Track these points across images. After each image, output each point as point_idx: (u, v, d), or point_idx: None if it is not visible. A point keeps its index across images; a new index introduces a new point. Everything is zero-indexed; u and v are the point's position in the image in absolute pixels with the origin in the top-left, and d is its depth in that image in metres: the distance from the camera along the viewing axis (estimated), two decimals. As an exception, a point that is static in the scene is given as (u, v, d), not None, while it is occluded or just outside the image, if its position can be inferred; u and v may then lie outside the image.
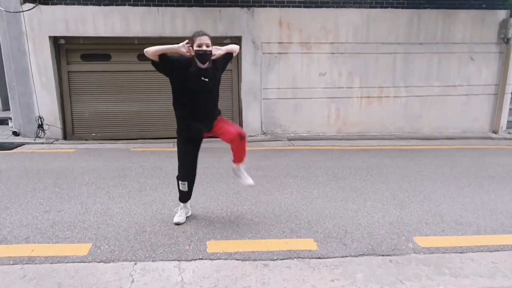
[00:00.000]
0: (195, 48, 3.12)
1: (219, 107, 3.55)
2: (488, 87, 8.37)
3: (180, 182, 3.51)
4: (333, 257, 3.01)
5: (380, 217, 3.80)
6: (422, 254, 3.08)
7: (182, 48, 3.15)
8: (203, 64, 3.21)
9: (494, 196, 4.43)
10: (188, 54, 3.17)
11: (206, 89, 3.29)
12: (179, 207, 3.67)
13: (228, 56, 3.44)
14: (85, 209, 3.91)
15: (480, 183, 4.90)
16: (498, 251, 3.12)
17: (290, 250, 3.10)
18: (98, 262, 2.88)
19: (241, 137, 3.32)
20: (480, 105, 8.46)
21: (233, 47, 3.50)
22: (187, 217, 3.66)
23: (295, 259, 2.98)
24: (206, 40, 3.11)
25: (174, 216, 3.64)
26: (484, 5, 7.99)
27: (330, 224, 3.62)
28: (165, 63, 3.19)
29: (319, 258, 3.00)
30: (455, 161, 6.10)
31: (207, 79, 3.24)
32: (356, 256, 3.04)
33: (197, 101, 3.29)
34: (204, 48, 3.11)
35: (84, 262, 2.88)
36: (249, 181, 3.54)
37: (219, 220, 3.68)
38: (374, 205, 4.14)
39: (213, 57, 3.23)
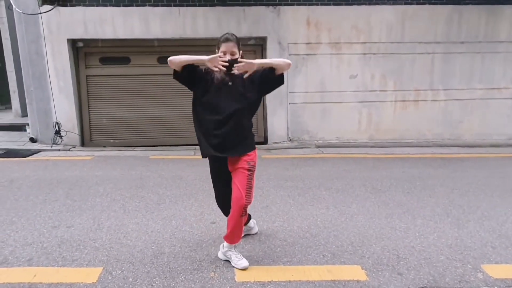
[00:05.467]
0: (219, 54, 2.58)
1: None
2: (536, 89, 7.65)
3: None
4: (387, 291, 2.50)
5: (436, 239, 3.24)
6: (497, 287, 2.52)
7: (209, 62, 2.53)
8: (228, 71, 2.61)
9: None
10: (217, 70, 2.55)
11: (230, 97, 2.64)
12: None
13: (270, 73, 2.65)
14: (97, 225, 3.49)
15: (544, 198, 4.27)
16: None
17: (334, 280, 2.60)
18: (108, 292, 2.45)
19: (243, 211, 2.63)
20: (528, 110, 7.73)
21: (276, 62, 2.66)
22: (219, 235, 3.15)
23: (342, 293, 2.47)
24: (231, 47, 2.55)
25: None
26: (532, 0, 7.31)
27: (378, 247, 3.08)
28: (190, 74, 2.65)
29: (370, 291, 2.49)
30: (507, 172, 5.45)
31: (230, 83, 2.63)
32: (415, 289, 2.51)
33: (216, 112, 2.66)
34: (227, 57, 2.54)
35: (92, 292, 2.45)
36: (243, 263, 2.74)
37: (247, 240, 3.20)
38: (426, 223, 3.58)
39: (244, 75, 2.60)
